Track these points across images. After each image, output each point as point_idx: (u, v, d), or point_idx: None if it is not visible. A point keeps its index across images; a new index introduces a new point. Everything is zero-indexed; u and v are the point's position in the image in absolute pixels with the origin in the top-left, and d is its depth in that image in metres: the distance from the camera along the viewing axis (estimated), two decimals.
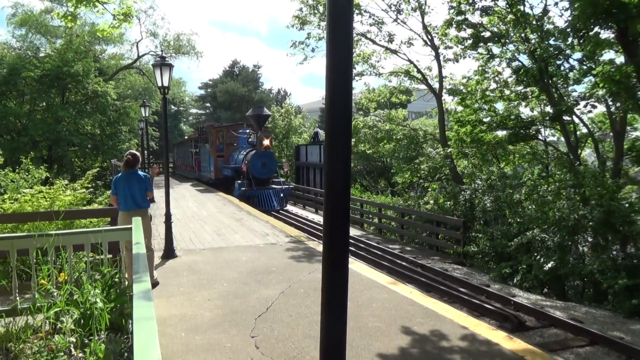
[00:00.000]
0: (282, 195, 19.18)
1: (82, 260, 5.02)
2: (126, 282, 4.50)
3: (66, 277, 4.16)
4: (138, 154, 6.79)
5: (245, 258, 8.16)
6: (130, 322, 3.51)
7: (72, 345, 3.22)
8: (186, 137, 40.29)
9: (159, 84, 8.04)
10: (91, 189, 9.79)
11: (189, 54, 34.55)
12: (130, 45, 36.14)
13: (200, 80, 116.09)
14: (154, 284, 6.29)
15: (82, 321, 3.47)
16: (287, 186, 20.10)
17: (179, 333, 4.82)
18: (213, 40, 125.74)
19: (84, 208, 7.97)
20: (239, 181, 18.98)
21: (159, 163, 33.51)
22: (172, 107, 48.22)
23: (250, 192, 18.00)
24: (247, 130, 20.91)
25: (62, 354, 3.14)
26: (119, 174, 6.56)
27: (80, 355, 3.20)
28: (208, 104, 59.65)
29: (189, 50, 34.39)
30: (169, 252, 8.30)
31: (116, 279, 4.24)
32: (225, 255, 8.40)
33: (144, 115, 23.13)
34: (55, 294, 3.75)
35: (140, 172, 6.55)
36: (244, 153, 19.92)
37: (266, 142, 18.36)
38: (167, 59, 8.16)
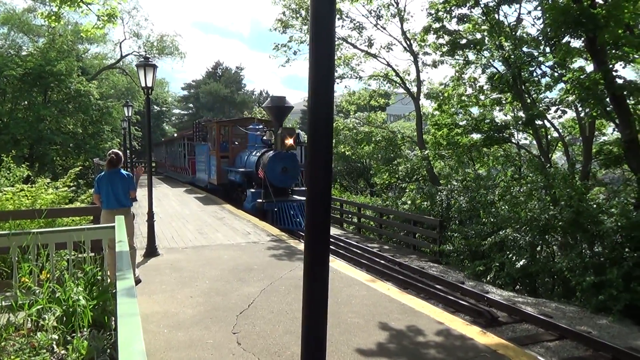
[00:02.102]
0: None
1: (64, 259, 5.05)
2: (109, 280, 4.57)
3: (48, 275, 4.20)
4: (121, 153, 6.85)
5: (227, 256, 8.25)
6: (113, 319, 3.59)
7: (54, 343, 3.24)
8: (175, 135, 35.22)
9: (143, 84, 8.07)
10: (73, 188, 9.75)
11: (173, 54, 34.58)
12: (114, 45, 36.10)
13: (183, 80, 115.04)
14: (136, 281, 6.34)
15: (64, 318, 3.51)
16: None
17: (161, 330, 4.89)
18: (196, 41, 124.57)
19: (66, 206, 7.94)
20: (253, 190, 14.60)
21: (141, 163, 33.17)
22: (155, 107, 47.78)
23: (269, 205, 13.43)
24: (259, 126, 16.99)
25: (45, 351, 3.15)
26: (102, 173, 6.60)
27: (63, 352, 3.22)
28: (191, 105, 59.40)
29: (173, 51, 34.38)
30: (152, 251, 8.34)
31: (99, 277, 4.30)
32: (207, 254, 8.47)
33: (126, 115, 22.98)
34: (37, 291, 3.75)
35: (123, 171, 6.61)
36: (257, 154, 15.39)
37: (289, 140, 13.61)
38: (150, 60, 8.19)
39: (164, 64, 44.26)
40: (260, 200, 13.49)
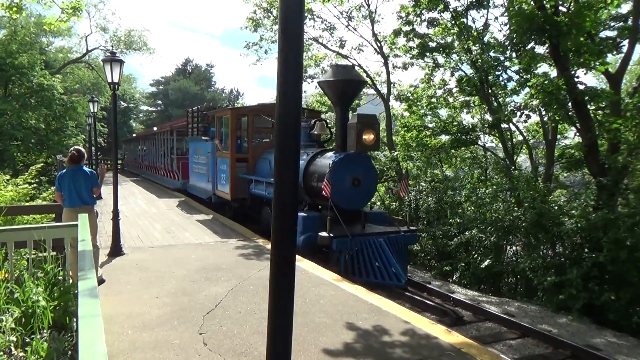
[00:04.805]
0: (402, 248, 8.63)
1: (24, 258, 4.89)
2: (71, 280, 4.45)
3: (6, 275, 4.07)
4: (84, 149, 6.67)
5: (195, 256, 8.14)
6: (75, 320, 3.50)
7: (12, 345, 3.17)
8: (155, 129, 26.91)
9: (109, 80, 7.89)
10: (35, 185, 9.43)
11: (141, 50, 33.95)
12: (79, 38, 35.22)
13: (152, 77, 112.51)
14: (100, 281, 6.18)
15: (23, 320, 3.43)
16: (404, 230, 8.78)
17: (125, 331, 4.79)
18: (167, 37, 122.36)
19: (27, 204, 7.69)
20: (303, 213, 8.87)
21: (105, 160, 32.30)
22: (122, 103, 46.73)
23: (342, 243, 7.86)
24: None
25: (2, 353, 3.09)
26: (64, 170, 6.42)
27: (22, 354, 3.15)
28: (159, 102, 58.40)
29: (141, 47, 33.78)
30: (117, 250, 8.14)
31: (60, 277, 4.19)
32: (175, 253, 8.33)
33: (92, 110, 22.33)
34: None
35: (85, 168, 6.44)
36: (305, 156, 9.78)
37: (370, 135, 8.57)
38: (117, 55, 8.01)
39: (131, 59, 43.32)
40: (324, 234, 7.89)
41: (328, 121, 11.17)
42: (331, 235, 7.84)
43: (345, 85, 8.80)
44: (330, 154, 9.33)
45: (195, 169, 15.75)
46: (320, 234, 7.99)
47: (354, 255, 7.89)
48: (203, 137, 14.68)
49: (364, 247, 8.01)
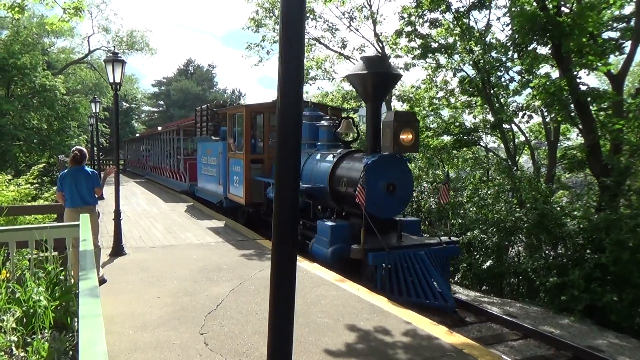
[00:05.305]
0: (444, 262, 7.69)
1: (25, 258, 4.89)
2: (72, 280, 4.45)
3: (8, 275, 4.07)
4: (85, 150, 6.69)
5: (196, 256, 8.14)
6: (76, 320, 3.50)
7: (13, 345, 3.16)
8: (160, 128, 26.58)
9: (111, 80, 7.91)
10: (37, 185, 9.45)
11: (143, 50, 34.11)
12: (82, 39, 35.28)
13: (154, 77, 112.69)
14: (101, 281, 6.20)
15: (24, 320, 3.42)
16: (446, 241, 7.80)
17: (126, 331, 4.79)
18: (169, 37, 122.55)
19: (29, 204, 7.70)
20: (330, 222, 8.02)
21: (108, 160, 32.36)
22: (124, 103, 46.85)
23: (378, 257, 7.00)
24: (318, 113, 10.62)
25: (3, 353, 3.08)
26: (66, 170, 6.44)
27: (22, 354, 3.14)
28: (161, 102, 58.58)
29: (143, 47, 33.96)
30: (118, 250, 8.15)
31: (62, 277, 4.19)
32: (176, 253, 8.33)
33: (94, 111, 22.35)
34: None
35: (87, 168, 6.46)
36: (330, 157, 9.04)
37: (408, 135, 7.60)
38: (119, 55, 8.03)
39: (133, 59, 43.49)
40: (357, 247, 7.09)
41: (356, 119, 10.15)
42: (366, 247, 7.04)
43: (378, 78, 7.94)
44: (359, 155, 8.49)
45: (204, 171, 14.87)
46: (352, 246, 7.20)
47: (392, 270, 7.01)
48: (213, 137, 13.84)
49: (402, 262, 7.12)
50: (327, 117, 10.04)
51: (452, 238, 8.05)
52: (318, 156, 9.54)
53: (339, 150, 9.05)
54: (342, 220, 8.25)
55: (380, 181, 7.68)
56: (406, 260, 7.11)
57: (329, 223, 7.93)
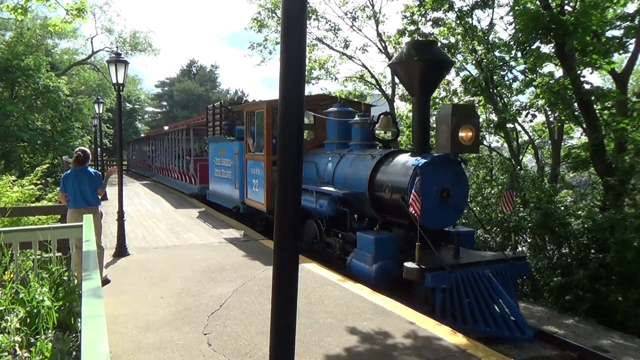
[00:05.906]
0: (511, 282, 6.48)
1: (29, 258, 4.91)
2: (76, 281, 4.46)
3: (12, 275, 4.08)
4: (88, 150, 6.71)
5: (200, 256, 8.15)
6: (80, 320, 3.50)
7: (17, 345, 3.17)
8: (166, 127, 24.88)
9: (114, 81, 7.93)
10: (40, 186, 9.48)
11: (146, 51, 34.24)
12: (85, 40, 35.57)
13: (157, 78, 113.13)
14: (104, 281, 6.21)
15: (28, 320, 3.43)
16: (511, 257, 6.65)
17: (130, 331, 4.79)
18: (172, 38, 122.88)
19: (33, 205, 7.73)
20: (372, 235, 6.86)
21: (111, 161, 32.48)
22: (128, 104, 47.01)
23: (438, 278, 5.80)
24: (348, 109, 9.53)
25: (6, 353, 3.09)
26: (69, 171, 6.46)
27: (26, 354, 3.15)
28: (164, 103, 58.73)
29: (146, 48, 34.15)
30: (121, 250, 8.18)
31: (65, 277, 4.20)
32: (179, 254, 8.35)
33: (97, 112, 22.44)
34: None
35: (90, 169, 6.48)
36: (371, 159, 7.79)
37: (468, 133, 6.47)
38: (122, 56, 8.04)
39: (136, 60, 43.75)
40: (412, 266, 5.92)
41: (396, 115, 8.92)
42: (422, 267, 5.83)
43: (429, 67, 6.84)
44: (405, 156, 7.22)
45: (216, 174, 13.62)
46: (406, 264, 5.99)
47: (453, 293, 5.88)
48: (227, 137, 12.63)
49: (466, 283, 5.98)
50: (363, 113, 8.92)
51: (518, 254, 7.10)
52: (352, 157, 8.40)
53: (379, 151, 7.95)
54: (386, 231, 7.18)
55: (433, 186, 6.65)
56: (470, 281, 6.01)
57: (371, 236, 6.80)
